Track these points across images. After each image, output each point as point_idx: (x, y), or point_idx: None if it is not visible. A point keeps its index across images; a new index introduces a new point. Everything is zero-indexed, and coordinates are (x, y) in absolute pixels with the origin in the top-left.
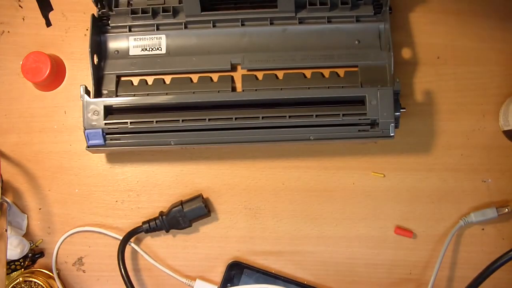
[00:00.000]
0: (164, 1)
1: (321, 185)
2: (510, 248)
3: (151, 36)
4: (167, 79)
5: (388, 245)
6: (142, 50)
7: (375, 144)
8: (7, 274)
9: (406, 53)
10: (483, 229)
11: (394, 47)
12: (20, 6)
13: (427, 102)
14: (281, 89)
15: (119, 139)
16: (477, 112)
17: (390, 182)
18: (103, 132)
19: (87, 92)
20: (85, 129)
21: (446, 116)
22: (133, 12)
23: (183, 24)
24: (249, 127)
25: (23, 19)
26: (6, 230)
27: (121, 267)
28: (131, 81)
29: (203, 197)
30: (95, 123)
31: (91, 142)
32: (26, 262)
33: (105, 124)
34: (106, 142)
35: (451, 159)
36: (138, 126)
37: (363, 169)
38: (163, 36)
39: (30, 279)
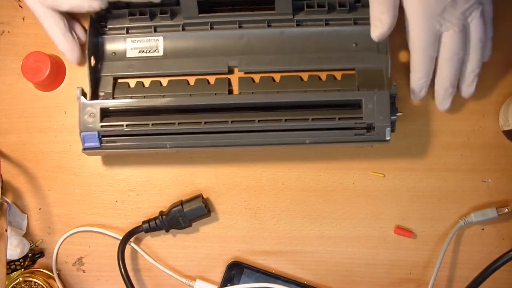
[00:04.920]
0: (162, 3)
1: (321, 185)
2: (510, 248)
3: (148, 38)
4: (164, 81)
5: (388, 245)
6: (140, 52)
7: (375, 144)
8: (7, 274)
9: (403, 55)
10: (483, 229)
11: (391, 49)
12: (20, 6)
13: (427, 102)
14: (277, 92)
15: (115, 142)
16: (477, 112)
17: (390, 182)
18: (99, 134)
19: (84, 94)
20: (81, 132)
21: (446, 116)
22: (131, 13)
23: (181, 26)
24: (245, 131)
25: (23, 19)
26: (6, 230)
27: (121, 267)
28: (128, 83)
29: (203, 197)
30: (91, 125)
31: (87, 144)
32: (26, 262)
33: (101, 126)
34: (102, 144)
35: (451, 159)
36: (134, 129)
37: (363, 169)
38: (161, 38)
39: (30, 279)
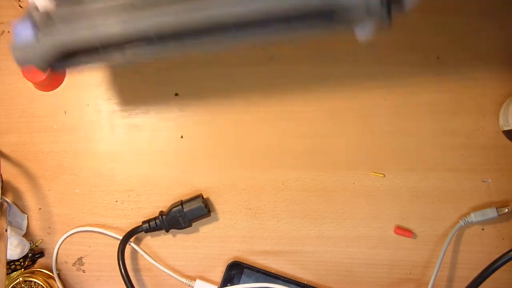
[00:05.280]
0: None
1: (321, 185)
2: (510, 248)
3: None
4: None
5: (388, 245)
6: None
7: (375, 144)
8: (7, 274)
9: (404, 53)
10: (483, 229)
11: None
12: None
13: (427, 102)
14: None
15: (53, 33)
16: (477, 112)
17: (390, 182)
18: (34, 23)
19: None
20: (14, 24)
21: (446, 116)
22: None
23: None
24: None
25: None
26: (6, 230)
27: (121, 267)
28: None
29: (203, 197)
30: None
31: (18, 36)
32: (26, 262)
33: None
34: (39, 37)
35: (451, 159)
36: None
37: (363, 169)
38: None
39: (30, 279)
